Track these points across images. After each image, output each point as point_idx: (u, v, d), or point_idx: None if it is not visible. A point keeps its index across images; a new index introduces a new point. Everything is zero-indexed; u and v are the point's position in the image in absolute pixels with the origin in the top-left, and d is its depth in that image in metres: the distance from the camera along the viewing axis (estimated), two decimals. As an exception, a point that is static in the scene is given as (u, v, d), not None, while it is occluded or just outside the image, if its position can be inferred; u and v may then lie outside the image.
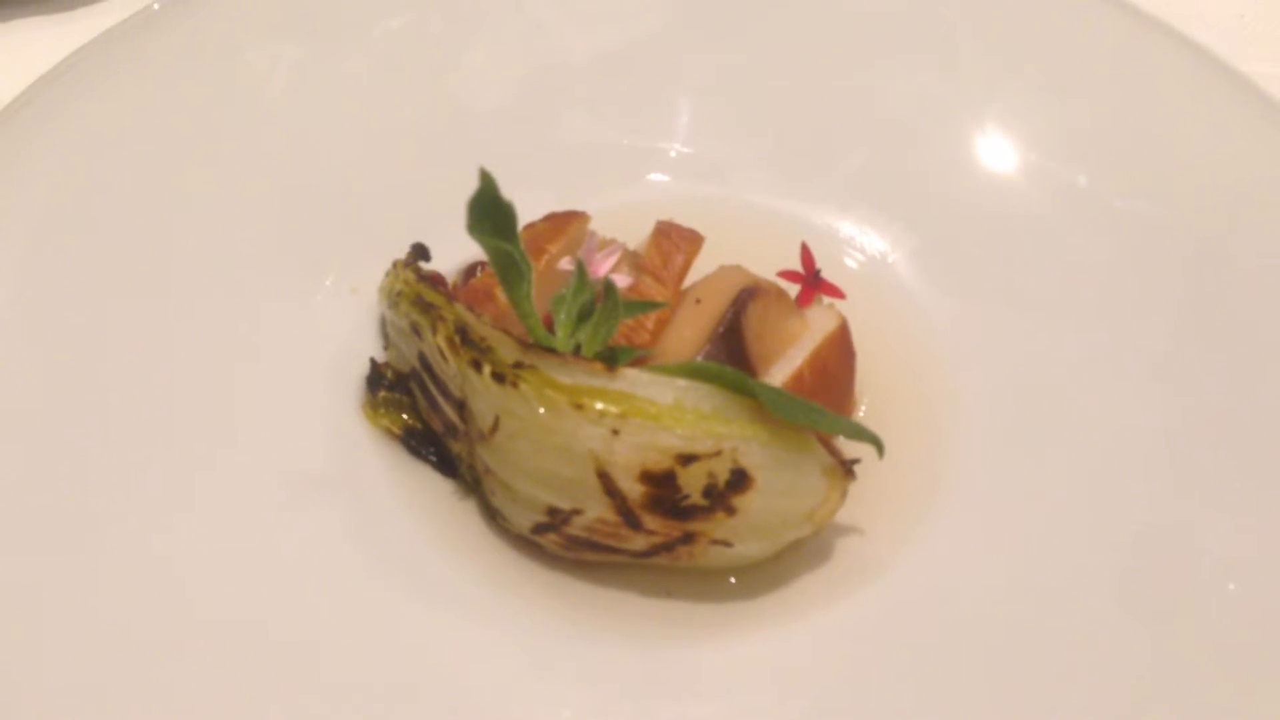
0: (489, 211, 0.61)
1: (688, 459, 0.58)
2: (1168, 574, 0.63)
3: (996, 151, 0.82)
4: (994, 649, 0.61)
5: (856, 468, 0.63)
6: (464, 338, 0.61)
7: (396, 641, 0.60)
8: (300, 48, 0.81)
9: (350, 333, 0.72)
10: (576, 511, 0.60)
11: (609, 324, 0.63)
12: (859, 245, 0.81)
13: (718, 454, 0.58)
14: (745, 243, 0.77)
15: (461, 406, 0.62)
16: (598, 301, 0.64)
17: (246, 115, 0.78)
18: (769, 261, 0.75)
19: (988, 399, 0.73)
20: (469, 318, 0.62)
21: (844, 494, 0.62)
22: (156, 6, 0.78)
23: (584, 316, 0.64)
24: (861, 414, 0.73)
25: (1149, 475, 0.67)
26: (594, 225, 0.74)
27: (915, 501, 0.69)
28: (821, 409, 0.60)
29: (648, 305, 0.67)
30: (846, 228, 0.82)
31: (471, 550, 0.65)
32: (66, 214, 0.69)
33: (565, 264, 0.66)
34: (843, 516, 0.64)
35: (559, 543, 0.62)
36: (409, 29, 0.84)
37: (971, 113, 0.83)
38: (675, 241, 0.73)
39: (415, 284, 0.66)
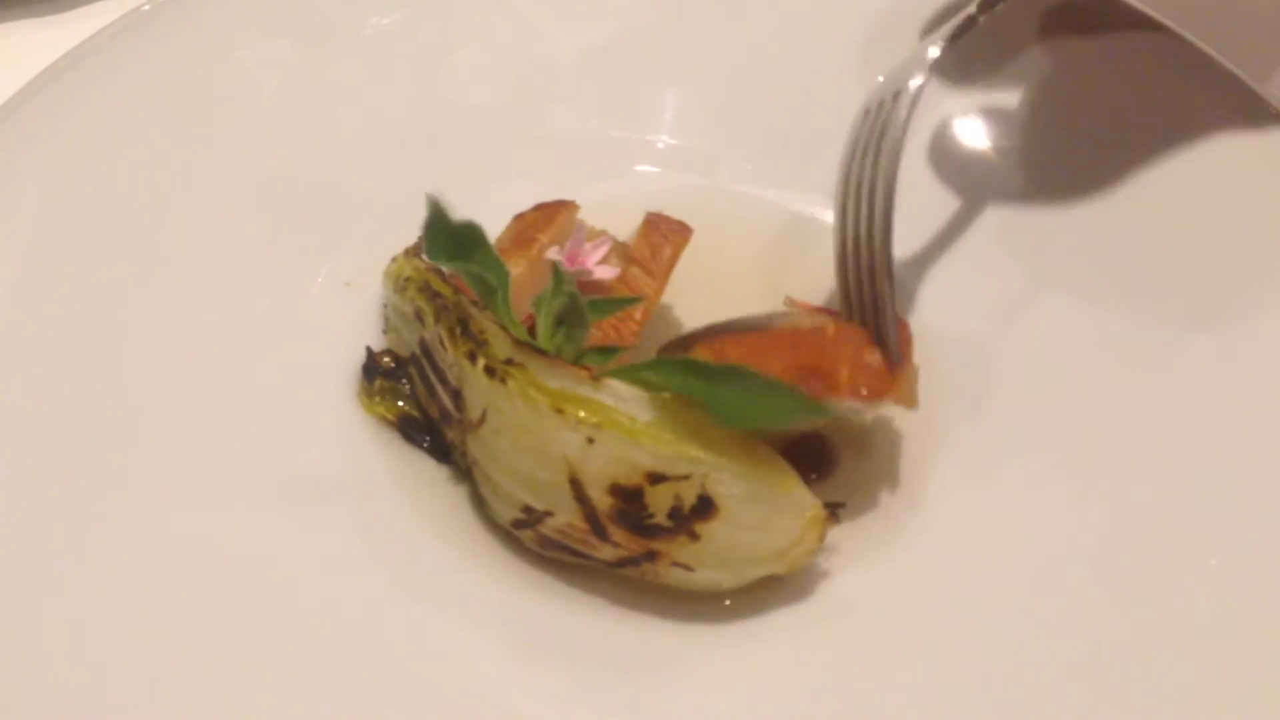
0: (445, 235, 0.61)
1: (656, 478, 0.58)
2: (1152, 563, 0.63)
3: (984, 140, 0.81)
4: (974, 651, 0.61)
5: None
6: (463, 329, 0.63)
7: (382, 626, 0.62)
8: (291, 46, 0.83)
9: (345, 324, 0.73)
10: (548, 513, 0.61)
11: (580, 330, 0.64)
12: None
13: (687, 478, 0.58)
14: (734, 232, 0.79)
15: (457, 395, 0.64)
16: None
17: (239, 114, 0.79)
18: (757, 250, 0.77)
19: (969, 386, 0.73)
20: (471, 310, 0.64)
21: (821, 537, 0.61)
22: (147, 7, 0.80)
23: (563, 319, 0.64)
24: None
25: (1130, 461, 0.67)
26: (583, 216, 0.76)
27: (898, 493, 0.69)
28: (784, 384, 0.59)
29: (622, 303, 0.68)
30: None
31: (460, 536, 0.66)
32: (60, 215, 0.71)
33: (553, 253, 0.66)
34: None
35: (535, 540, 0.63)
36: (399, 27, 0.85)
37: (959, 101, 0.82)
38: (664, 233, 0.74)
39: (424, 272, 0.67)
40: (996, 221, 0.79)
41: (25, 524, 0.60)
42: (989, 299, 0.76)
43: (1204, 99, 0.78)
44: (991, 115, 0.83)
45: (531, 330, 0.64)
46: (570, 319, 0.63)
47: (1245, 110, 0.77)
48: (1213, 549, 0.62)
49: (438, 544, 0.66)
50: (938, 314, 0.76)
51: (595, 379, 0.59)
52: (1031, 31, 0.83)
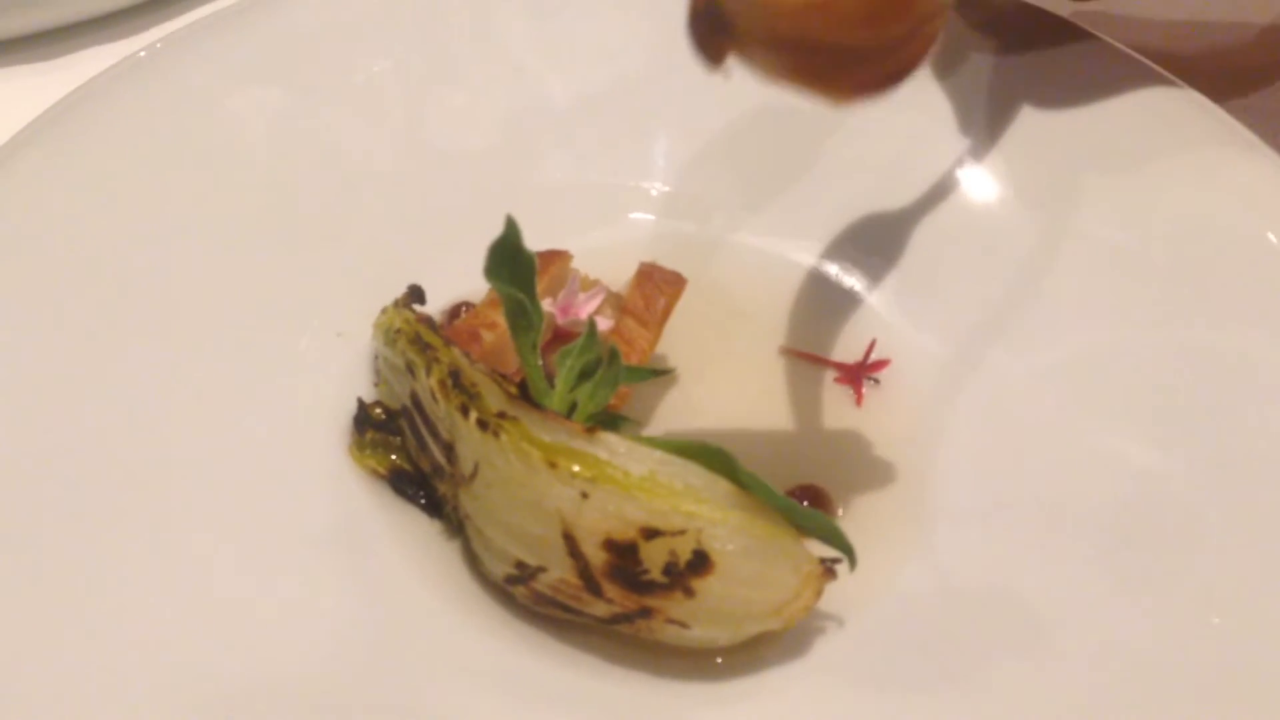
0: (508, 259, 0.62)
1: (651, 533, 0.57)
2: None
3: (980, 188, 0.81)
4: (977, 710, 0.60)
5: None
6: (455, 381, 0.62)
7: (373, 684, 0.61)
8: (284, 93, 0.82)
9: (336, 376, 0.72)
10: (541, 569, 0.60)
11: (607, 390, 0.64)
12: (841, 283, 0.82)
13: (682, 533, 0.57)
14: (728, 281, 0.79)
15: (449, 449, 0.63)
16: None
17: (229, 162, 0.79)
18: (752, 299, 0.78)
19: (967, 425, 0.73)
20: (463, 362, 0.63)
21: (818, 593, 0.61)
22: (142, 54, 0.80)
23: (586, 375, 0.64)
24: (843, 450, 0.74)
25: (1132, 501, 0.67)
26: (576, 264, 0.76)
27: (899, 539, 0.68)
28: (799, 506, 0.60)
29: (655, 372, 0.67)
30: (828, 266, 0.82)
31: (452, 592, 0.65)
32: (48, 264, 0.71)
33: (547, 304, 0.66)
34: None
35: (528, 596, 0.62)
36: (390, 73, 0.85)
37: (955, 149, 0.82)
38: (658, 284, 0.74)
39: (415, 323, 0.67)
40: (1007, 269, 0.79)
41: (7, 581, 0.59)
42: (996, 350, 0.76)
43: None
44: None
45: (522, 383, 0.63)
46: (603, 379, 0.63)
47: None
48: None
49: (430, 600, 0.65)
50: (944, 366, 0.77)
51: (589, 433, 0.59)
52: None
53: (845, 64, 0.50)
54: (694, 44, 0.52)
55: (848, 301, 0.80)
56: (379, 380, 0.71)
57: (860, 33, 0.49)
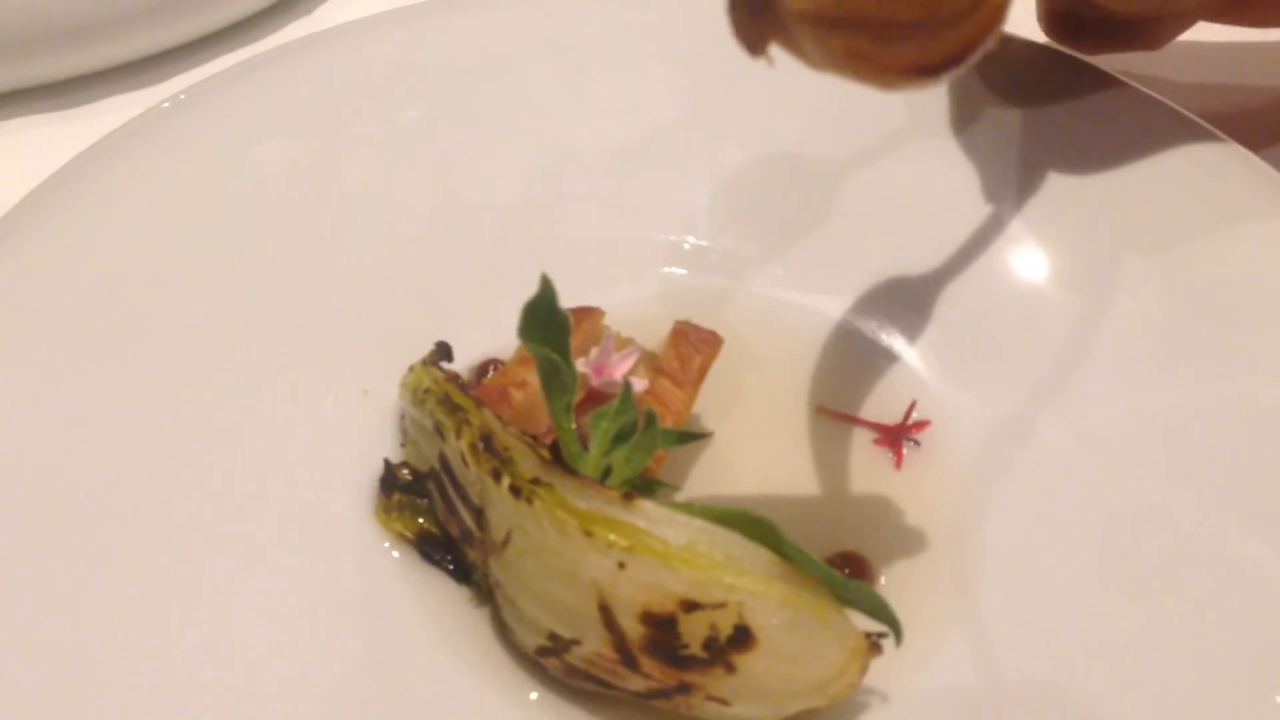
0: (543, 319, 0.60)
1: (691, 606, 0.54)
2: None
3: (1021, 246, 0.80)
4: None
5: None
6: (487, 445, 0.60)
7: None
8: (308, 146, 0.81)
9: (363, 435, 0.70)
10: (575, 642, 0.57)
11: (644, 454, 0.61)
12: (879, 341, 0.80)
13: (723, 606, 0.54)
14: (764, 337, 0.77)
15: (479, 514, 0.61)
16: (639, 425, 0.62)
17: (253, 216, 0.77)
18: (787, 357, 0.76)
19: (1016, 511, 0.70)
20: (495, 425, 0.61)
21: (864, 669, 0.58)
22: (166, 105, 0.78)
23: (621, 438, 0.62)
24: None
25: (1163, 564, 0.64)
26: (609, 319, 0.74)
27: (944, 609, 0.66)
28: (843, 577, 0.57)
29: (692, 435, 0.65)
30: (867, 323, 0.80)
31: (481, 663, 0.63)
32: (66, 321, 0.69)
33: (580, 365, 0.64)
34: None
35: (561, 669, 0.60)
36: (417, 125, 0.83)
37: (997, 205, 0.81)
38: (694, 343, 0.72)
39: (444, 384, 0.65)
40: (1046, 326, 0.77)
41: (26, 650, 0.57)
42: (1035, 408, 0.74)
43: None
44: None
45: (554, 446, 0.61)
46: (639, 443, 0.61)
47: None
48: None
49: (457, 671, 0.62)
50: (982, 426, 0.74)
51: (626, 499, 0.56)
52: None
53: (897, 42, 0.44)
54: (734, 29, 0.47)
55: (887, 360, 0.78)
56: (406, 440, 0.69)
57: (914, 6, 0.44)
